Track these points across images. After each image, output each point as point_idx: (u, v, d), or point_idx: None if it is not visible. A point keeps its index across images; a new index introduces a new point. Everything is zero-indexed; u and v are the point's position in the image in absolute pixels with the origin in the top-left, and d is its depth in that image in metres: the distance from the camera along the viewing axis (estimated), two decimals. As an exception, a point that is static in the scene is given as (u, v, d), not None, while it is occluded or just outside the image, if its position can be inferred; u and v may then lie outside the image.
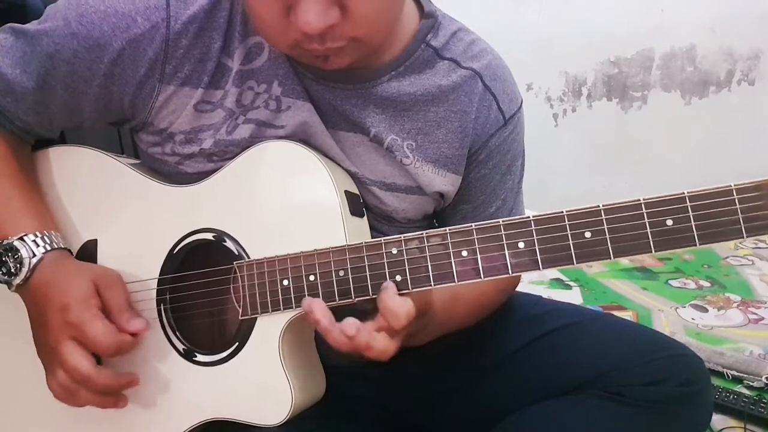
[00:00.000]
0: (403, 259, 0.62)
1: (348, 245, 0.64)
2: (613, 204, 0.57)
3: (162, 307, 0.73)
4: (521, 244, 0.59)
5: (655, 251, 0.55)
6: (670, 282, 1.90)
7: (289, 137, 0.72)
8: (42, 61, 0.69)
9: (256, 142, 0.71)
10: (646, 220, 0.55)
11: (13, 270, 0.67)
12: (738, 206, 0.53)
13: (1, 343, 0.78)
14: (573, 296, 1.82)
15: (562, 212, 0.58)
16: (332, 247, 0.65)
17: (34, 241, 0.68)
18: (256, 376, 0.69)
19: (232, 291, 0.71)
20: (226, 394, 0.70)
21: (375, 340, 0.60)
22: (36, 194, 0.75)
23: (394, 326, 0.60)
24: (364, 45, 0.64)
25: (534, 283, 1.86)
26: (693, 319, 1.66)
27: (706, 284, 1.88)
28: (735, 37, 2.28)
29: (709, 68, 2.32)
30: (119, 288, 0.70)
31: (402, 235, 0.63)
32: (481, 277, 0.60)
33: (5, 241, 0.68)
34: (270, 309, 0.67)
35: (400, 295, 0.61)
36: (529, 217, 0.59)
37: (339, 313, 0.63)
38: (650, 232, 0.55)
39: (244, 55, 0.70)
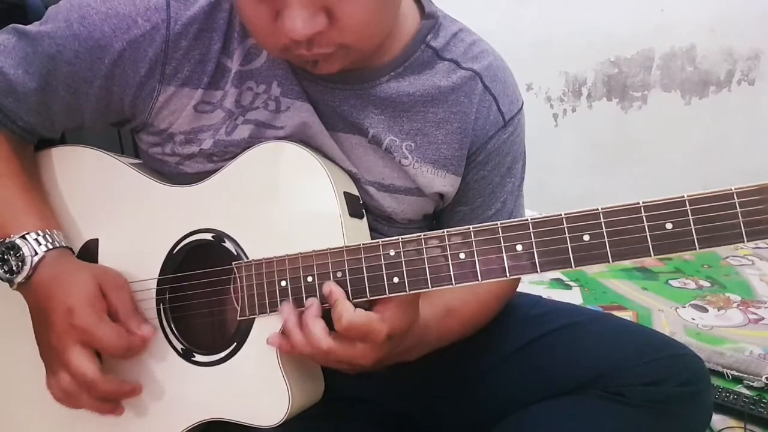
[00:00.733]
0: (401, 261, 0.62)
1: (346, 247, 0.64)
2: (612, 207, 0.56)
3: (161, 307, 0.73)
4: (519, 247, 0.58)
5: (655, 255, 0.54)
6: (670, 282, 1.90)
7: (288, 138, 0.72)
8: (44, 62, 0.69)
9: (255, 143, 0.71)
10: (645, 223, 0.55)
11: (15, 268, 0.68)
12: (739, 210, 0.52)
13: (0, 341, 0.78)
14: (573, 296, 1.81)
15: (561, 215, 0.57)
16: (330, 249, 0.65)
17: (36, 239, 0.69)
18: (253, 376, 0.69)
19: (231, 291, 0.71)
20: (224, 394, 0.70)
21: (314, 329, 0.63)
22: (38, 193, 0.75)
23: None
24: (353, 52, 0.63)
25: (534, 283, 1.85)
26: (693, 319, 1.65)
27: (706, 284, 1.88)
28: (735, 37, 2.28)
29: (709, 68, 2.32)
30: (125, 291, 0.70)
31: (400, 237, 0.62)
32: (478, 280, 0.60)
33: (7, 240, 0.69)
34: (268, 310, 0.67)
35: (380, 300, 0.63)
36: (527, 219, 0.58)
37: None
38: (649, 235, 0.54)
39: (243, 55, 0.70)
